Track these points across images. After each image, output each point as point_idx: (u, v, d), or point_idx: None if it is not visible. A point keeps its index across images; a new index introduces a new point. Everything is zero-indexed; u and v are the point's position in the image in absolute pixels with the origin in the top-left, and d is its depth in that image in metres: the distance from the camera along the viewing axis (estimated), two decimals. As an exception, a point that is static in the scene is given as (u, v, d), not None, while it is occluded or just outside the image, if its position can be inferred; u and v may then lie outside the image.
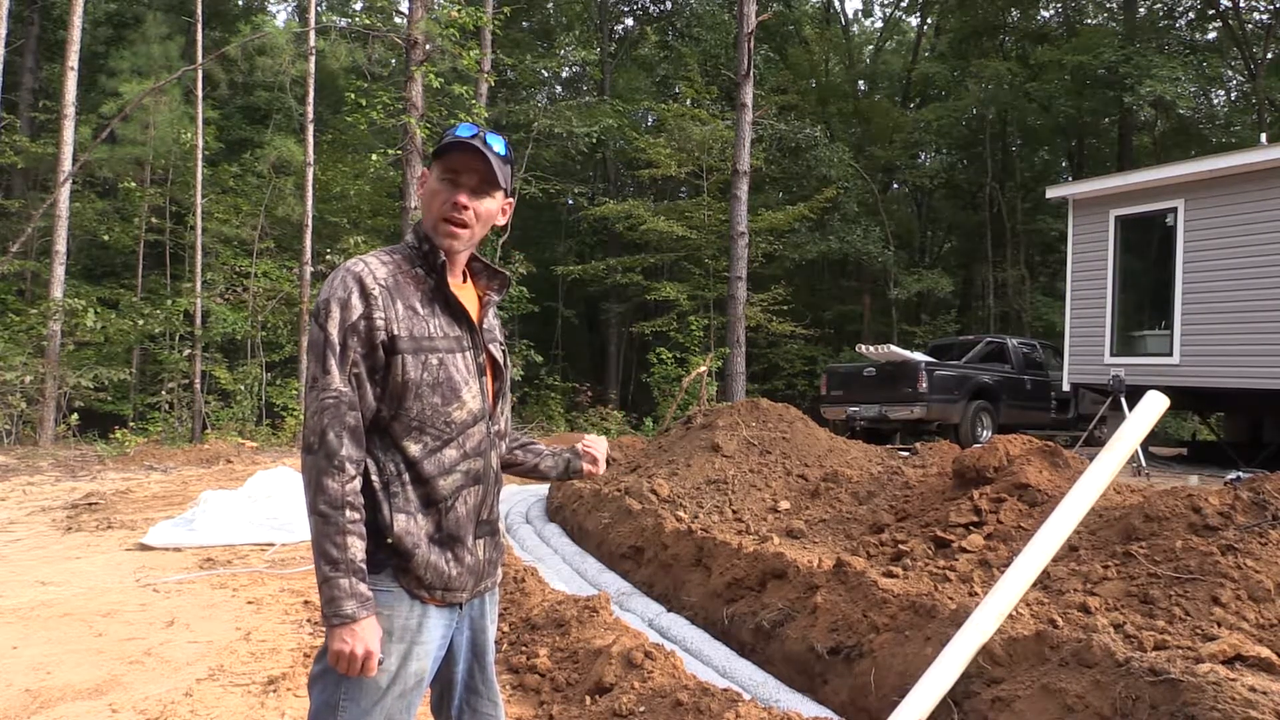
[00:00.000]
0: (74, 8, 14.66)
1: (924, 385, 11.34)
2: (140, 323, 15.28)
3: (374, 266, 1.67)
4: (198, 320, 15.53)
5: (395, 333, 1.63)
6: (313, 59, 16.52)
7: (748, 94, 16.21)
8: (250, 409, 15.58)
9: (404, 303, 1.66)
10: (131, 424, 15.40)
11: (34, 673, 3.71)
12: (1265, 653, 2.71)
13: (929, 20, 29.06)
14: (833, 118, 26.39)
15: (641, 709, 2.92)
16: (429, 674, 1.73)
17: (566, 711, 3.15)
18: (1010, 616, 2.88)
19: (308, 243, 16.12)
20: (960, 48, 25.53)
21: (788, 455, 6.89)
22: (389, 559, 1.64)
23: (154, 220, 19.22)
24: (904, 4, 29.75)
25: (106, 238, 18.93)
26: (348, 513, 1.56)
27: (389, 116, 15.43)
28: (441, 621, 1.72)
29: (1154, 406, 2.79)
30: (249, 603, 4.84)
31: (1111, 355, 10.46)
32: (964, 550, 4.36)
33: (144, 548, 6.19)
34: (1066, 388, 11.26)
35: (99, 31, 22.14)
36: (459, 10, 15.34)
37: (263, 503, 6.71)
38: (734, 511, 6.11)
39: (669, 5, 28.96)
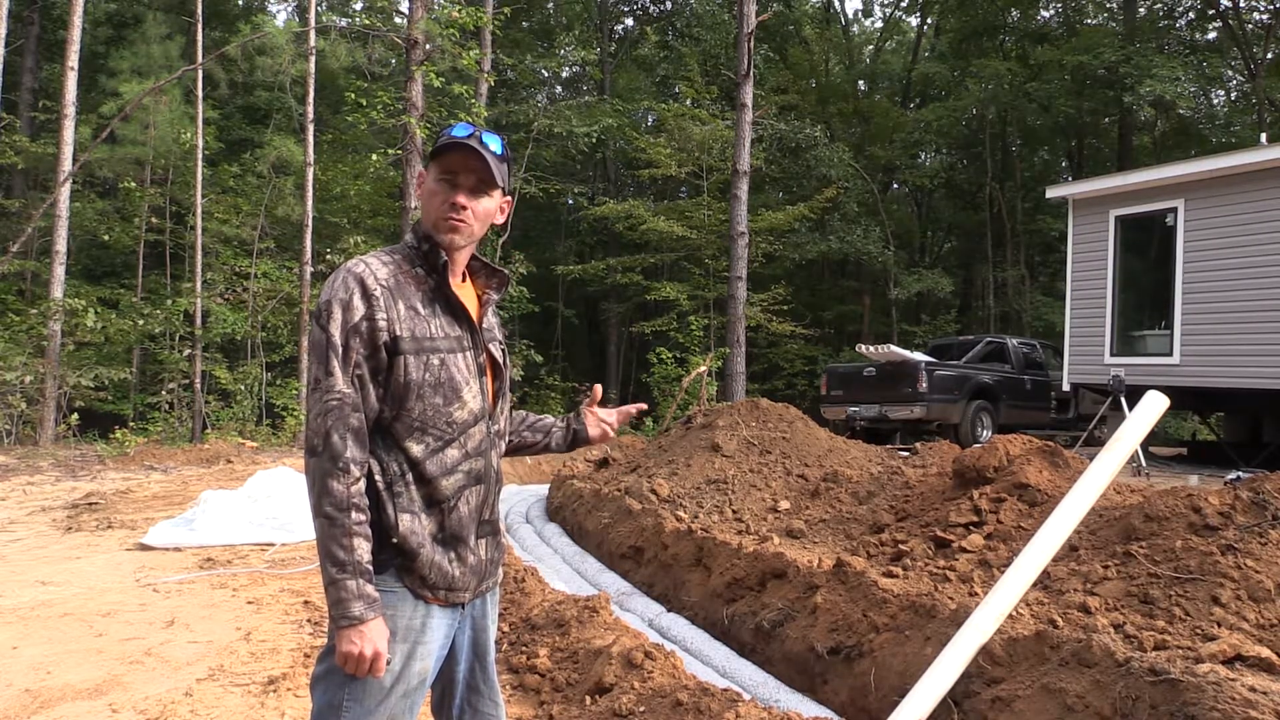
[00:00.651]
0: (74, 8, 14.66)
1: (924, 385, 11.34)
2: (140, 323, 15.27)
3: (375, 267, 1.67)
4: (198, 320, 15.53)
5: (397, 333, 1.63)
6: (313, 59, 16.52)
7: (748, 94, 16.21)
8: (250, 409, 15.58)
9: (405, 303, 1.66)
10: (132, 424, 15.39)
11: (34, 673, 3.71)
12: (1265, 653, 2.71)
13: (929, 20, 29.06)
14: (833, 118, 26.39)
15: (641, 709, 2.92)
16: (432, 674, 1.73)
17: (566, 711, 3.14)
18: (1010, 616, 2.89)
19: (308, 243, 16.12)
20: (960, 48, 25.53)
21: (788, 455, 6.89)
22: (393, 559, 1.65)
23: (154, 220, 19.21)
24: (904, 4, 29.75)
25: (106, 238, 18.93)
26: (353, 514, 1.56)
27: (389, 116, 15.42)
28: (444, 621, 1.73)
29: (1154, 406, 2.79)
30: (249, 603, 4.84)
31: (1111, 355, 10.46)
32: (964, 550, 4.36)
33: (144, 548, 6.19)
34: (1066, 388, 11.26)
35: (99, 31, 22.14)
36: (459, 10, 15.33)
37: (263, 503, 6.71)
38: (734, 511, 6.11)
39: (669, 5, 28.97)
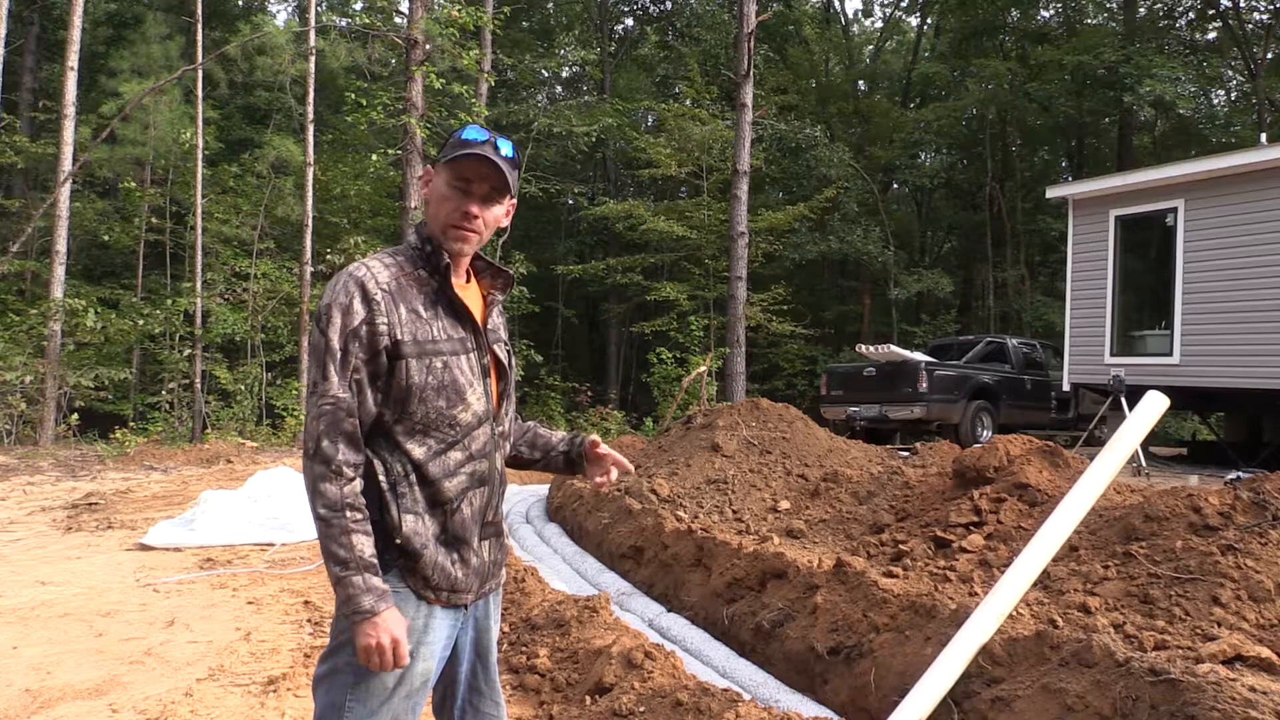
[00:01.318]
0: (74, 8, 14.66)
1: (924, 385, 11.34)
2: (140, 323, 15.27)
3: (376, 270, 1.66)
4: (198, 320, 15.53)
5: (398, 337, 1.63)
6: (313, 59, 16.52)
7: (748, 94, 16.21)
8: (250, 409, 15.57)
9: (407, 306, 1.65)
10: (132, 424, 15.39)
11: (34, 673, 3.71)
12: (1265, 653, 2.71)
13: (929, 20, 29.05)
14: (833, 118, 26.38)
15: (641, 709, 2.92)
16: (435, 675, 1.73)
17: (566, 711, 3.14)
18: (1010, 616, 2.89)
19: (308, 243, 16.12)
20: (960, 48, 25.52)
21: (788, 455, 6.89)
22: (396, 559, 1.65)
23: (154, 220, 19.21)
24: (904, 4, 29.76)
25: (106, 238, 18.93)
26: (348, 514, 1.56)
27: (389, 116, 15.42)
28: (447, 622, 1.73)
29: (1154, 406, 2.79)
30: (249, 603, 4.84)
31: (1111, 355, 10.46)
32: (964, 550, 4.36)
33: (144, 548, 6.19)
34: (1066, 388, 11.26)
35: (99, 31, 22.14)
36: (459, 10, 15.33)
37: (263, 503, 6.71)
38: (734, 511, 6.11)
39: (669, 5, 28.97)
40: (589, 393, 20.48)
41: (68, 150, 14.57)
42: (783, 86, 23.59)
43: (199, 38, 16.39)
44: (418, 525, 1.65)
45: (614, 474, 2.01)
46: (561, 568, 5.69)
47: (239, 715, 3.27)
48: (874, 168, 25.34)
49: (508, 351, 1.88)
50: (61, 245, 14.58)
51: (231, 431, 14.34)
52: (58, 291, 14.28)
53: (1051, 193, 11.78)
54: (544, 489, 8.65)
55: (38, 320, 14.28)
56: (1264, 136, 12.58)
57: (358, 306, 1.61)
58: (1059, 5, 25.94)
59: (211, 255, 17.72)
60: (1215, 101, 26.01)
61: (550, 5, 28.41)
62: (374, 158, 16.37)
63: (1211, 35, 24.13)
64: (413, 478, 1.66)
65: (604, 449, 2.00)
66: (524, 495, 8.70)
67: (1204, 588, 3.23)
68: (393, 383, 1.64)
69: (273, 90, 20.68)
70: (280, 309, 17.02)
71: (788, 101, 22.99)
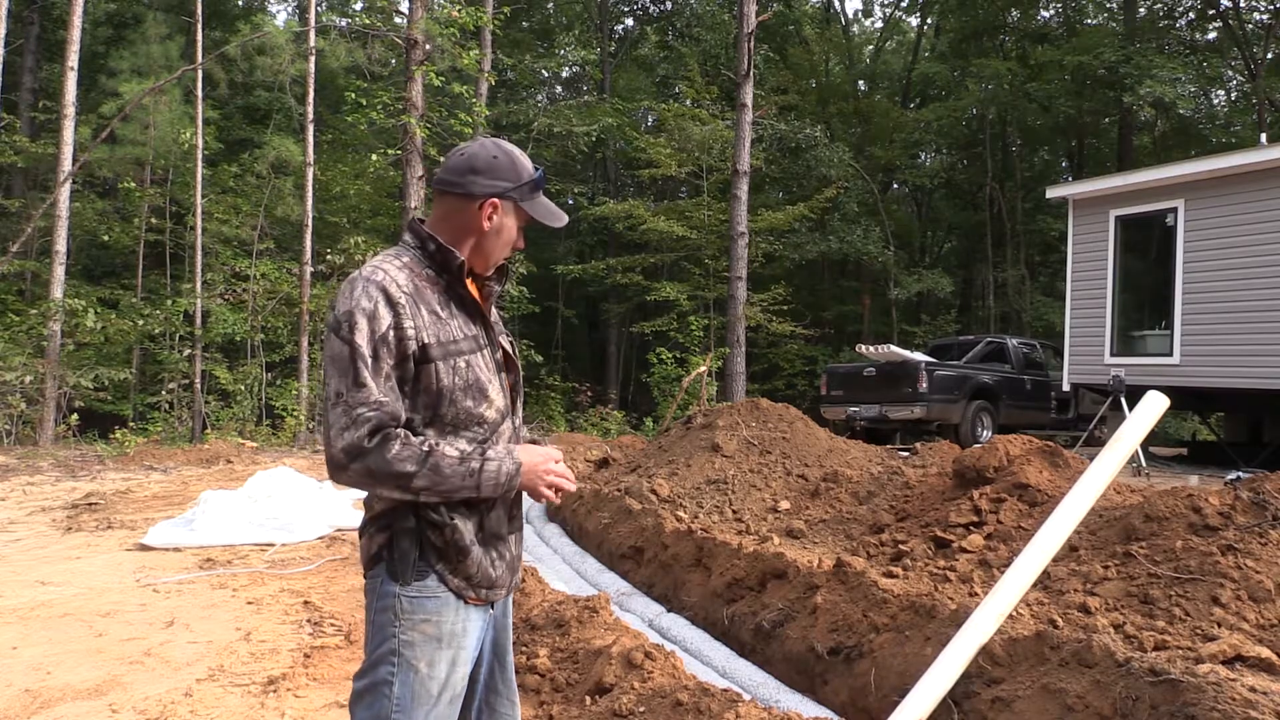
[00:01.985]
0: (74, 8, 14.66)
1: (924, 385, 11.34)
2: (140, 323, 15.27)
3: (393, 273, 1.63)
4: (198, 320, 15.53)
5: (425, 341, 1.60)
6: (313, 59, 16.52)
7: (748, 94, 16.21)
8: (250, 409, 15.57)
9: (427, 308, 1.63)
10: (131, 424, 15.40)
11: (34, 673, 3.71)
12: (1265, 653, 2.71)
13: (929, 20, 29.06)
14: (833, 118, 26.38)
15: (641, 709, 2.91)
16: (468, 677, 1.73)
17: (566, 712, 3.14)
18: (1010, 617, 2.88)
19: (308, 243, 16.12)
20: (960, 48, 25.53)
21: (788, 455, 6.89)
22: (435, 563, 1.63)
23: (154, 220, 19.20)
24: (904, 4, 29.76)
25: (106, 238, 18.92)
26: (425, 454, 1.55)
27: (389, 116, 15.42)
28: (480, 623, 1.73)
29: (1154, 406, 2.79)
30: (249, 603, 4.84)
31: (1111, 355, 10.47)
32: (964, 550, 4.36)
33: (144, 548, 6.19)
34: (1066, 388, 11.26)
35: (99, 31, 22.13)
36: (459, 10, 15.33)
37: (263, 503, 6.71)
38: (734, 511, 6.11)
39: (669, 5, 28.97)
40: (589, 393, 20.49)
41: (68, 150, 14.57)
42: (783, 86, 23.60)
43: (199, 38, 16.39)
44: (462, 524, 1.64)
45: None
46: (561, 568, 5.69)
47: (239, 715, 3.27)
48: (874, 168, 25.34)
49: (512, 344, 1.88)
50: (61, 245, 14.58)
51: (231, 432, 14.34)
52: (57, 292, 14.28)
53: (1051, 193, 11.78)
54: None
55: (37, 320, 14.28)
56: (1264, 136, 12.58)
57: (383, 311, 1.57)
58: (1059, 5, 25.95)
59: (211, 255, 17.72)
60: (1215, 101, 26.03)
61: (550, 5, 28.42)
62: (374, 158, 16.36)
63: (1211, 35, 24.13)
64: None
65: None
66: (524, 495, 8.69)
67: (1204, 588, 3.23)
68: (421, 387, 1.61)
69: (273, 90, 20.67)
70: (280, 309, 17.02)
71: (788, 101, 22.99)
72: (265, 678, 3.63)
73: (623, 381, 26.56)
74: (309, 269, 16.04)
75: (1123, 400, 9.17)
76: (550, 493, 1.67)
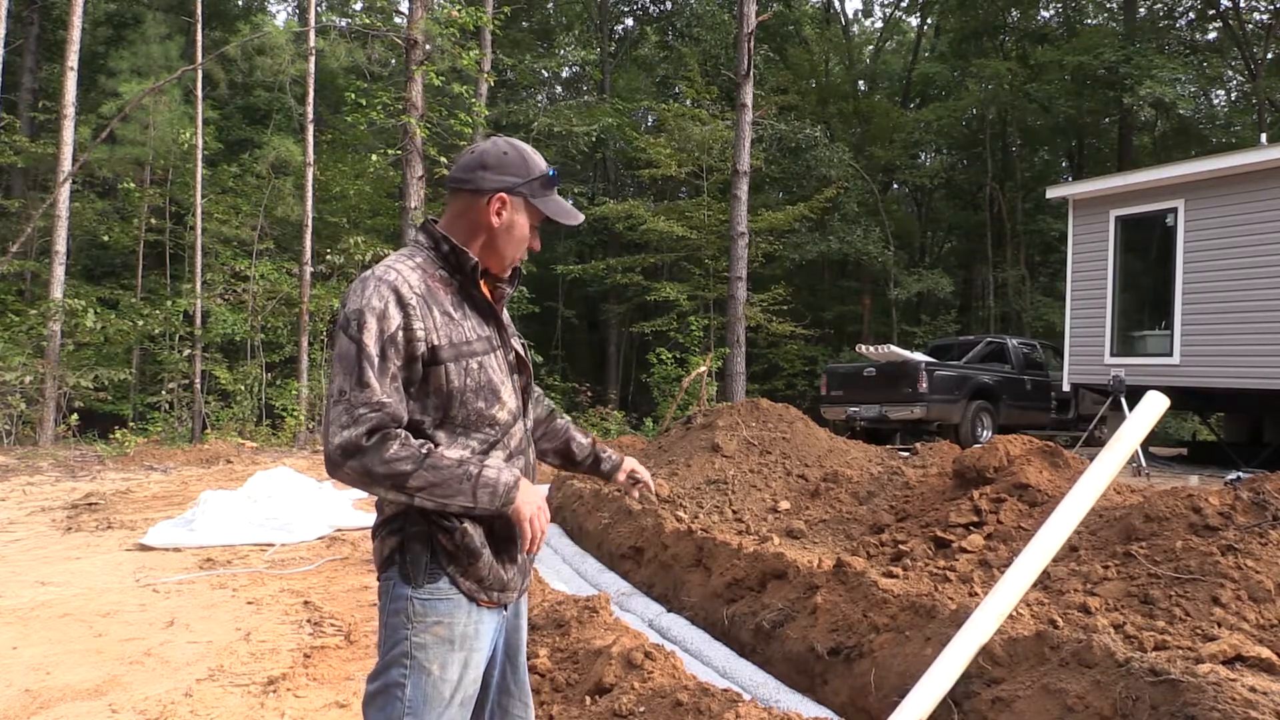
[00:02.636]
0: (74, 8, 14.66)
1: (924, 385, 11.34)
2: (140, 323, 15.27)
3: (406, 274, 1.61)
4: (198, 320, 15.53)
5: (436, 343, 1.59)
6: (313, 59, 16.52)
7: (748, 94, 16.20)
8: (250, 409, 15.57)
9: (439, 309, 1.62)
10: (131, 424, 15.40)
11: (34, 673, 3.71)
12: (1265, 653, 2.71)
13: (929, 20, 29.06)
14: (833, 118, 26.39)
15: (641, 709, 2.91)
16: (480, 679, 1.73)
17: (566, 712, 3.14)
18: (1010, 617, 2.88)
19: (308, 243, 16.11)
20: (960, 48, 25.53)
21: (788, 455, 6.89)
22: (446, 565, 1.62)
23: (154, 220, 19.20)
24: (904, 4, 29.76)
25: (106, 238, 18.93)
26: (423, 448, 1.53)
27: (389, 116, 15.43)
28: (492, 625, 1.72)
29: (1154, 407, 2.79)
30: (249, 603, 4.84)
31: (1111, 355, 10.46)
32: (964, 550, 4.35)
33: (144, 548, 6.19)
34: (1066, 388, 11.26)
35: (99, 31, 22.13)
36: (459, 10, 15.33)
37: (263, 503, 6.71)
38: (734, 511, 6.11)
39: (669, 5, 28.98)
40: (589, 393, 20.48)
41: (67, 150, 14.57)
42: (783, 86, 23.60)
43: (199, 38, 16.39)
44: (472, 528, 1.63)
45: (636, 494, 2.10)
46: (561, 568, 5.69)
47: (239, 715, 3.27)
48: (874, 168, 25.34)
49: (523, 345, 1.87)
50: (61, 245, 14.58)
51: (231, 432, 14.34)
52: (57, 292, 14.28)
53: (1051, 193, 11.78)
54: (544, 489, 8.65)
55: (37, 320, 14.28)
56: (1264, 136, 12.58)
57: (393, 311, 1.55)
58: (1059, 5, 25.96)
59: (211, 255, 17.72)
60: (1215, 101, 26.04)
61: (550, 5, 28.41)
62: (374, 158, 16.37)
63: (1211, 35, 24.13)
64: None
65: (635, 474, 2.08)
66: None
67: (1204, 588, 3.23)
68: (431, 388, 1.60)
69: (272, 90, 20.68)
70: (280, 309, 17.02)
71: (788, 101, 22.99)
72: (265, 678, 3.63)
73: (623, 381, 26.55)
74: (309, 269, 16.04)
75: (1123, 400, 9.17)
76: (528, 527, 1.62)
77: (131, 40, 20.58)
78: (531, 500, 1.62)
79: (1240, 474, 7.11)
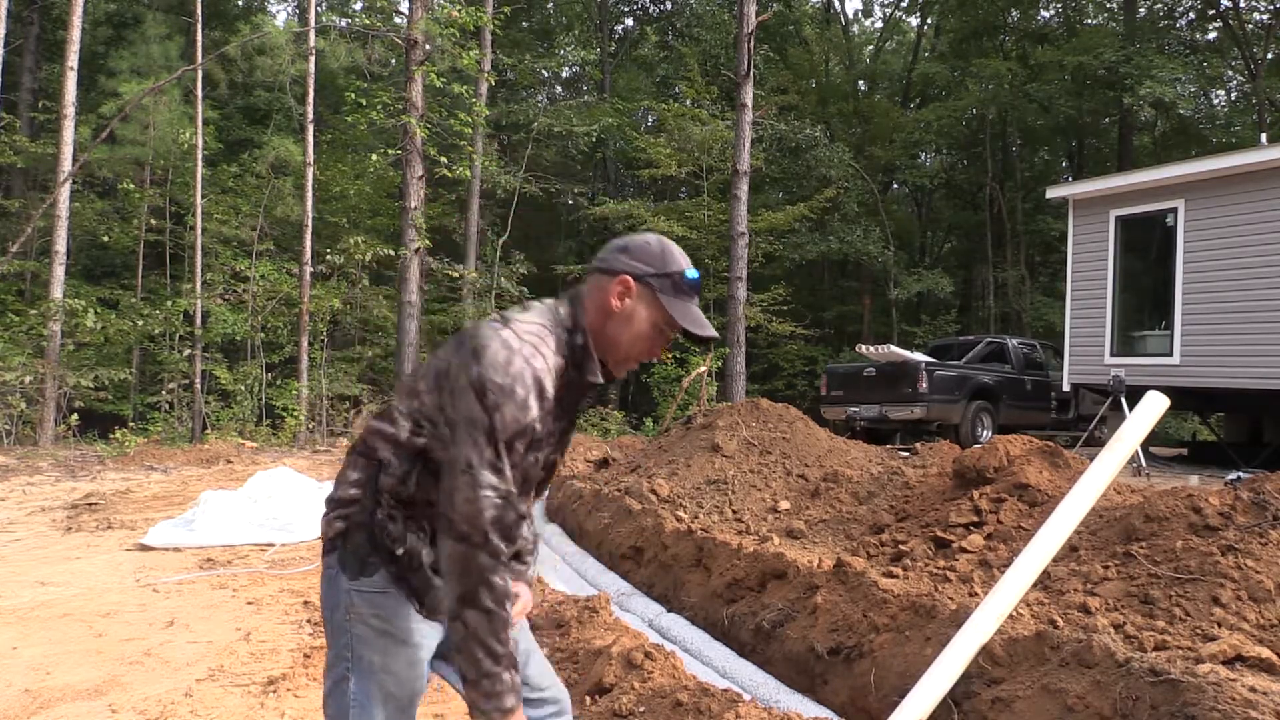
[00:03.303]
0: (74, 8, 14.65)
1: (924, 385, 11.34)
2: (140, 323, 15.26)
3: (551, 361, 1.55)
4: (198, 320, 15.53)
5: (536, 432, 1.55)
6: (313, 59, 16.51)
7: (748, 94, 16.20)
8: (250, 409, 15.57)
9: (551, 399, 1.57)
10: (131, 424, 15.39)
11: (34, 673, 3.71)
12: (1265, 653, 2.71)
13: (929, 20, 29.05)
14: (833, 118, 26.39)
15: (641, 709, 2.91)
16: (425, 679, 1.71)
17: (566, 712, 3.14)
18: (1010, 617, 2.88)
19: (308, 243, 16.11)
20: (960, 48, 25.53)
21: (788, 455, 6.88)
22: (388, 565, 1.59)
23: (154, 221, 19.20)
24: (904, 4, 29.76)
25: (106, 238, 18.92)
26: (508, 605, 1.50)
27: (389, 116, 15.42)
28: (436, 630, 1.68)
29: (1154, 407, 2.79)
30: (249, 603, 4.84)
31: (1111, 355, 10.46)
32: (964, 550, 4.35)
33: (144, 548, 6.19)
34: (1066, 388, 11.26)
35: (99, 31, 22.13)
36: (459, 10, 15.33)
37: (263, 503, 6.70)
38: (734, 511, 6.11)
39: (669, 5, 28.99)
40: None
41: (67, 150, 14.57)
42: (783, 86, 23.60)
43: (199, 38, 16.38)
44: (418, 546, 1.60)
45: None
46: (561, 568, 5.69)
47: (239, 715, 3.27)
48: (874, 168, 25.34)
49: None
50: (61, 245, 14.58)
51: (231, 432, 14.33)
52: (57, 292, 14.28)
53: (1051, 193, 11.78)
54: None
55: (37, 320, 14.28)
56: (1264, 136, 12.58)
57: (533, 404, 1.51)
58: (1059, 5, 25.96)
59: (211, 255, 17.71)
60: (1215, 101, 26.03)
61: (550, 5, 28.41)
62: (374, 158, 16.36)
63: (1211, 35, 24.14)
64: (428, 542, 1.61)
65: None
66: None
67: (1204, 588, 3.23)
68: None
69: (273, 90, 20.67)
70: (280, 309, 17.02)
71: (788, 101, 23.00)
72: (265, 678, 3.63)
73: (622, 381, 26.55)
74: (309, 269, 16.03)
75: (1123, 400, 9.17)
76: None
77: (131, 40, 20.59)
78: None
79: (1240, 474, 7.11)
